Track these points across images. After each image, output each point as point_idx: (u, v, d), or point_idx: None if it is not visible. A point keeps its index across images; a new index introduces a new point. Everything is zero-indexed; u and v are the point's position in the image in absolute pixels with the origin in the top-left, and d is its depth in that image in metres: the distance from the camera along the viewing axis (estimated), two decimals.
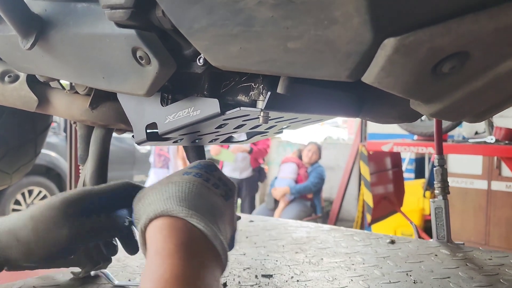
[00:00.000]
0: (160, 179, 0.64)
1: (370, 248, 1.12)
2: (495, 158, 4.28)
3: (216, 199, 0.60)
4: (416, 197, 5.15)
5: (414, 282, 0.88)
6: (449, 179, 3.95)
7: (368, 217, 3.60)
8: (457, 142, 3.44)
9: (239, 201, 5.18)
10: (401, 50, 0.45)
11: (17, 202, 4.89)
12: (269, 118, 0.68)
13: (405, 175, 5.54)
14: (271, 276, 0.93)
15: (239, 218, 1.37)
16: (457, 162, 4.75)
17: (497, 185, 4.67)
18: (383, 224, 4.53)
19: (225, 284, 0.88)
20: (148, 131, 0.77)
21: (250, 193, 5.18)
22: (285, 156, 5.79)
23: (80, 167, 1.00)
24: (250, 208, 5.13)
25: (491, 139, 3.16)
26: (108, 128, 0.93)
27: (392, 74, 0.48)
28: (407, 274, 0.93)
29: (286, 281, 0.90)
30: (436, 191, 1.22)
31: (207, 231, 0.52)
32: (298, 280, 0.90)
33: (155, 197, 0.58)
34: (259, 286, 0.87)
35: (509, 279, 0.91)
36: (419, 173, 5.94)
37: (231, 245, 0.66)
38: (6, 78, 0.94)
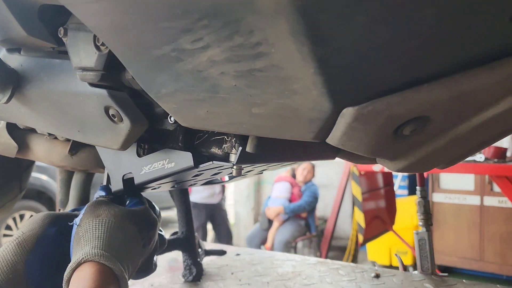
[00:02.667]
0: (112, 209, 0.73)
1: (355, 283, 1.12)
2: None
3: (136, 249, 0.73)
4: (409, 214, 5.15)
5: None
6: (442, 195, 3.92)
7: (360, 238, 3.59)
8: None
9: (209, 226, 5.02)
10: (360, 118, 0.46)
11: (8, 227, 4.84)
12: (245, 166, 0.69)
13: (399, 192, 5.55)
14: None
15: (224, 253, 1.38)
16: (449, 178, 4.77)
17: (489, 201, 4.69)
18: (379, 242, 4.52)
19: None
20: (124, 179, 0.78)
21: (225, 219, 4.99)
22: (278, 175, 5.78)
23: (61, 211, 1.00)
24: (227, 237, 4.98)
25: (480, 157, 3.18)
26: (88, 173, 0.94)
27: (354, 138, 0.49)
28: None
29: None
30: (420, 223, 1.23)
31: (117, 272, 0.65)
32: None
33: (85, 237, 0.69)
34: None
35: None
36: (412, 190, 5.94)
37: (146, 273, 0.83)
38: None
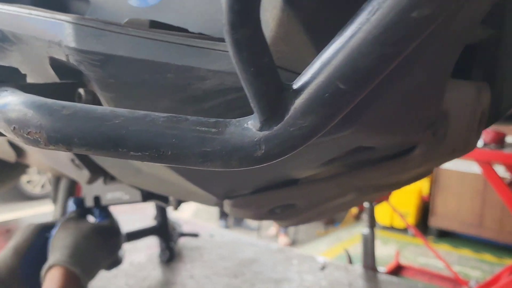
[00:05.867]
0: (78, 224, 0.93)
1: (299, 274, 1.33)
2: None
3: (100, 253, 0.92)
4: None
5: None
6: (448, 163, 4.07)
7: (354, 209, 3.80)
8: None
9: None
10: (236, 205, 0.64)
11: None
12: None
13: None
14: None
15: (197, 235, 1.59)
16: None
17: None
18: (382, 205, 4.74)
19: None
20: (94, 198, 0.98)
21: None
22: None
23: None
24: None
25: (480, 142, 3.27)
26: (72, 180, 1.14)
27: (239, 214, 0.67)
28: None
29: None
30: (367, 225, 1.41)
31: (80, 276, 0.85)
32: None
33: (57, 246, 0.89)
34: None
35: None
36: None
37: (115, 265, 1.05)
38: None
